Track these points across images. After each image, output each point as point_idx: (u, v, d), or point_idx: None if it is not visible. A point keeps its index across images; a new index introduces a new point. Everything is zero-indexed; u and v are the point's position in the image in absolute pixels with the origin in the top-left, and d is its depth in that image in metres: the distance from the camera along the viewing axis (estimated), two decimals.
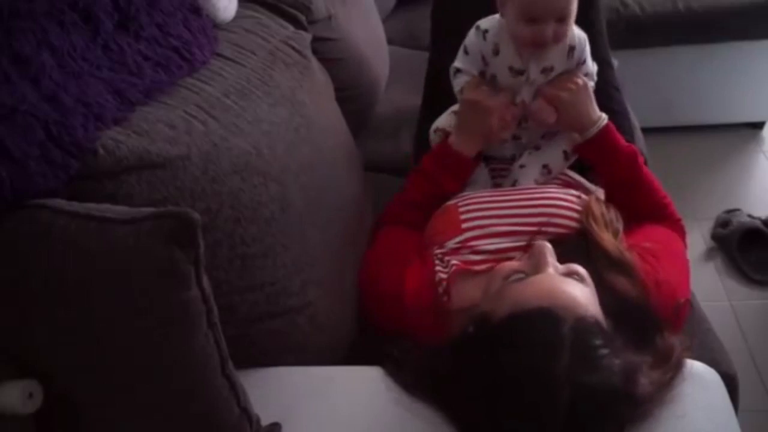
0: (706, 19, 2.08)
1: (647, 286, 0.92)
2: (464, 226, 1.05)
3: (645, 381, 0.77)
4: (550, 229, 1.01)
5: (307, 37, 1.27)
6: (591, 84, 1.14)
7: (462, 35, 1.16)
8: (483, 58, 1.13)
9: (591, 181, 1.21)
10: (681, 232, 1.14)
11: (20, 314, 0.70)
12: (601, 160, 1.14)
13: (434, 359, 0.86)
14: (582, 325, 0.76)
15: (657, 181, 1.17)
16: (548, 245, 0.88)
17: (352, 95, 1.48)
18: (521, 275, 0.85)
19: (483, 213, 1.06)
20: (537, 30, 1.04)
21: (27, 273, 0.68)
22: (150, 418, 0.74)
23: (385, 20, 2.03)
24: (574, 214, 1.03)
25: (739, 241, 1.87)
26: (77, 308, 0.67)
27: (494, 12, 1.13)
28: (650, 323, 0.87)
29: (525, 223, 1.03)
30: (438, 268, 1.01)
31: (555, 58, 1.11)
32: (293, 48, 1.17)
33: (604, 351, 0.75)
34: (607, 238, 0.97)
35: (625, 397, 0.75)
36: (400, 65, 1.86)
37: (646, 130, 1.49)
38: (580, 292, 0.81)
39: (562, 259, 0.89)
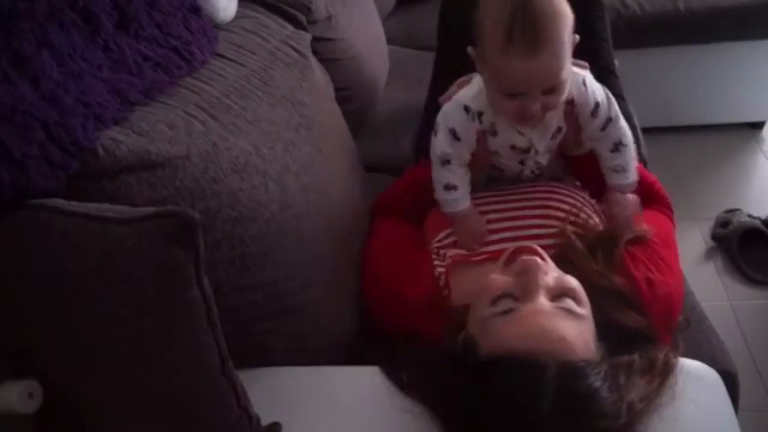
0: (706, 19, 2.08)
1: (641, 300, 0.91)
2: None
3: (635, 399, 0.76)
4: (548, 231, 1.00)
5: (307, 37, 1.27)
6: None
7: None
8: (478, 140, 1.01)
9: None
10: (669, 213, 1.13)
11: (20, 314, 0.70)
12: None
13: (428, 364, 0.85)
14: (567, 369, 0.73)
15: (643, 168, 1.17)
16: (538, 262, 0.84)
17: (352, 95, 1.48)
18: (509, 301, 0.81)
19: (483, 209, 1.06)
20: (520, 105, 0.90)
21: (27, 273, 0.68)
22: (150, 418, 0.74)
23: (385, 20, 2.04)
24: (582, 208, 1.03)
25: (739, 241, 1.87)
26: (77, 308, 0.67)
27: None
28: (644, 338, 0.86)
29: (522, 217, 1.03)
30: (436, 262, 1.02)
31: (558, 120, 1.00)
32: (293, 48, 1.17)
33: (591, 390, 0.73)
34: (589, 269, 0.92)
35: (612, 425, 0.73)
36: (400, 65, 1.86)
37: (646, 130, 1.49)
38: (567, 332, 0.77)
39: (556, 262, 0.88)
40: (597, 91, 0.99)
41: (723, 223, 1.96)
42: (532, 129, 0.99)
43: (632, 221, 1.03)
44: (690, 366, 0.86)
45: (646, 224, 1.03)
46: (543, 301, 0.80)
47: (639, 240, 1.00)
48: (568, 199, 1.04)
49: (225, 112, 0.94)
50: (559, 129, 1.02)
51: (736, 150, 2.34)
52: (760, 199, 2.09)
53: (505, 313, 0.80)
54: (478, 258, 1.00)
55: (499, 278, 0.85)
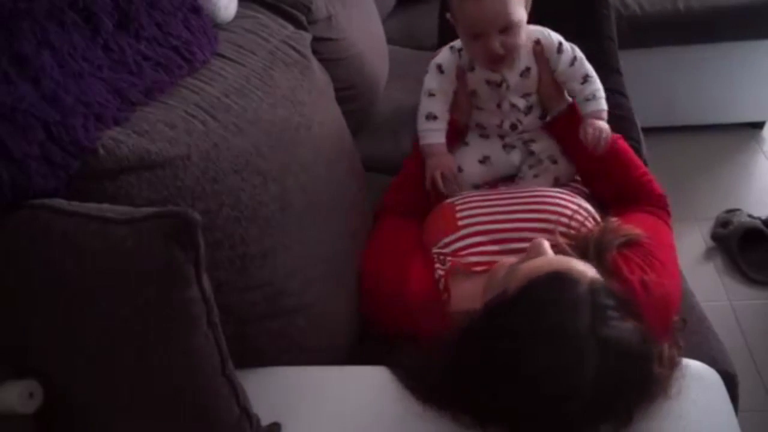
0: (706, 19, 2.08)
1: (637, 303, 0.91)
2: (460, 223, 1.05)
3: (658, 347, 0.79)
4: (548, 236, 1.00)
5: (307, 37, 1.27)
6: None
7: None
8: (458, 76, 1.15)
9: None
10: (665, 211, 1.14)
11: (20, 314, 0.70)
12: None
13: (442, 350, 0.84)
14: (597, 286, 0.77)
15: (636, 157, 1.18)
16: (545, 241, 0.89)
17: (352, 95, 1.48)
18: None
19: (479, 211, 1.06)
20: (483, 45, 1.05)
21: (27, 273, 0.68)
22: (150, 418, 0.74)
23: (385, 20, 2.04)
24: (573, 215, 1.03)
25: (739, 241, 1.87)
26: (77, 308, 0.67)
27: None
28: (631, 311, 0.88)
29: (522, 222, 1.03)
30: (437, 265, 1.02)
31: (526, 59, 1.12)
32: (293, 48, 1.17)
33: (619, 312, 0.76)
34: None
35: (646, 354, 0.76)
36: (400, 65, 1.86)
37: (646, 130, 1.49)
38: (589, 268, 0.83)
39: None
40: (559, 36, 1.13)
41: (723, 223, 1.96)
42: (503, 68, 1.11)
43: (606, 144, 1.11)
44: (690, 366, 0.86)
45: (638, 227, 1.04)
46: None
47: (632, 242, 1.00)
48: (562, 209, 1.05)
49: (225, 112, 0.94)
50: (527, 68, 1.13)
51: (736, 150, 2.35)
52: (760, 199, 2.09)
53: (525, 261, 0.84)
54: (479, 268, 1.00)
55: (509, 258, 0.90)
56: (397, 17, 2.18)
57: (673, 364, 0.82)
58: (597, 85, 1.13)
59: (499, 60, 1.08)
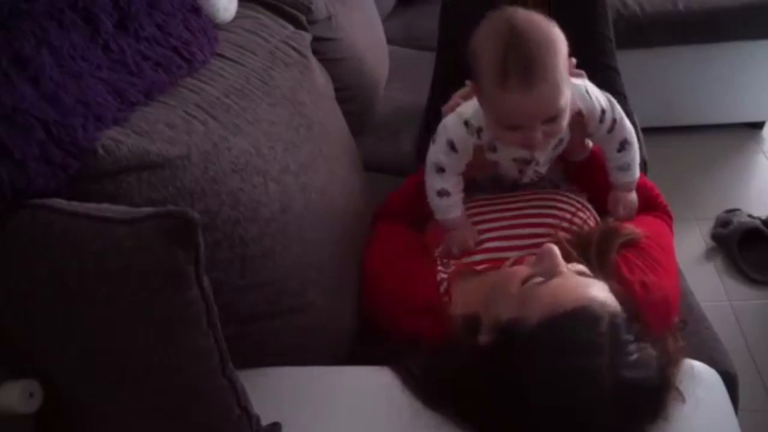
0: (706, 19, 2.08)
1: (637, 304, 0.90)
2: None
3: (675, 370, 0.79)
4: (544, 239, 0.99)
5: (307, 37, 1.27)
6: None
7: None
8: (476, 154, 1.02)
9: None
10: (668, 219, 1.13)
11: (20, 314, 0.70)
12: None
13: (453, 363, 0.84)
14: (616, 321, 0.76)
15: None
16: (556, 248, 0.87)
17: (352, 95, 1.48)
18: (539, 279, 0.83)
19: (483, 209, 1.06)
20: (522, 136, 0.91)
21: (27, 273, 0.68)
22: (150, 418, 0.74)
23: (385, 20, 2.04)
24: (575, 213, 1.03)
25: (739, 241, 1.87)
26: (77, 308, 0.67)
27: None
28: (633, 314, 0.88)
29: (525, 218, 1.03)
30: (440, 268, 1.02)
31: (564, 131, 0.99)
32: (293, 48, 1.17)
33: (636, 346, 0.76)
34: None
35: (663, 387, 0.76)
36: (400, 65, 1.86)
37: (646, 130, 1.48)
38: (605, 291, 0.82)
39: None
40: (600, 97, 0.99)
41: (723, 223, 1.96)
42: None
43: (634, 205, 1.06)
44: (690, 366, 0.86)
45: (640, 227, 1.03)
46: (569, 272, 0.83)
47: (632, 243, 1.00)
48: (564, 206, 1.05)
49: (225, 112, 0.94)
50: (560, 140, 1.02)
51: (736, 150, 2.34)
52: (760, 199, 2.09)
53: (540, 284, 0.82)
54: (480, 267, 1.00)
55: (519, 267, 0.88)
56: (397, 17, 2.18)
57: (678, 360, 0.83)
58: (633, 153, 1.03)
59: (537, 147, 0.95)
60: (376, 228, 1.18)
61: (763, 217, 1.93)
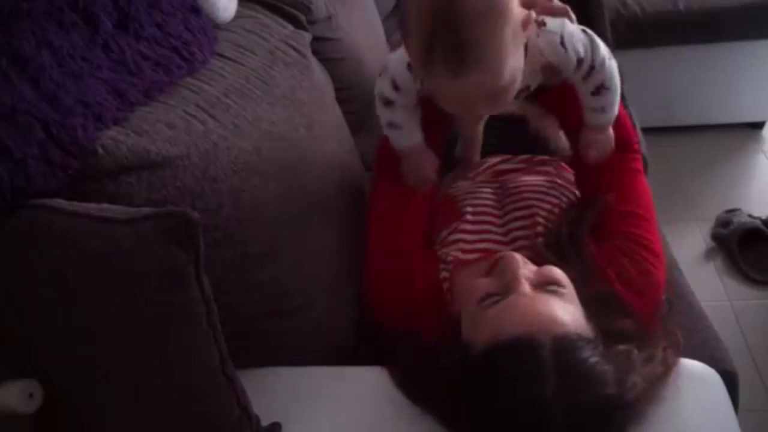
0: (706, 19, 2.08)
1: (621, 299, 0.91)
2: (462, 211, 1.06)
3: (638, 379, 0.77)
4: (529, 232, 1.00)
5: (307, 36, 1.27)
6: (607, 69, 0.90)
7: None
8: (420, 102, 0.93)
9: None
10: (634, 152, 1.06)
11: (20, 314, 0.70)
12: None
13: (430, 364, 0.85)
14: (562, 344, 0.74)
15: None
16: (516, 257, 0.85)
17: (352, 95, 1.48)
18: (495, 298, 0.82)
19: (466, 216, 1.06)
20: (463, 116, 0.84)
21: (27, 273, 0.68)
22: (150, 418, 0.74)
23: (385, 20, 2.03)
24: (552, 208, 1.03)
25: (739, 241, 1.87)
26: (77, 308, 0.67)
27: None
28: (618, 309, 0.87)
29: (507, 214, 1.04)
30: (442, 266, 1.02)
31: (529, 79, 0.90)
32: (293, 48, 1.17)
33: (591, 362, 0.74)
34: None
35: (621, 404, 0.74)
36: None
37: (646, 130, 1.48)
38: (555, 308, 0.79)
39: (539, 260, 0.89)
40: (578, 45, 0.86)
41: (723, 223, 1.96)
42: None
43: (607, 155, 0.99)
44: (690, 366, 0.86)
45: (610, 192, 1.00)
46: (526, 288, 0.81)
47: (610, 210, 0.98)
48: (543, 196, 1.05)
49: (225, 112, 0.94)
50: (527, 87, 0.93)
51: (736, 150, 2.34)
52: (760, 199, 2.09)
53: (491, 305, 0.81)
54: (473, 256, 1.01)
55: (482, 280, 0.87)
56: (397, 17, 2.18)
57: (669, 364, 0.82)
58: (609, 96, 0.93)
59: (479, 120, 0.92)
60: (375, 193, 1.12)
61: (763, 217, 1.93)
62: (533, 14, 0.78)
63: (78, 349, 0.70)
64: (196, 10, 1.03)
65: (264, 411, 0.80)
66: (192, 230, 0.65)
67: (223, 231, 0.86)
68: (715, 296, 1.79)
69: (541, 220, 1.02)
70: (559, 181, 1.11)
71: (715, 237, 1.96)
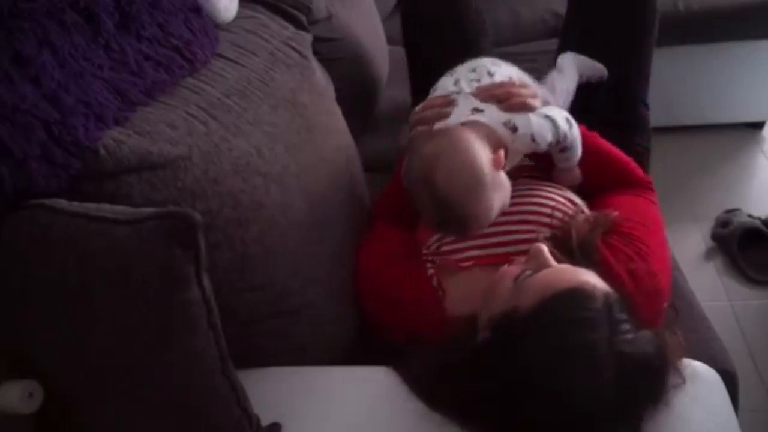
0: (706, 19, 2.08)
1: (620, 285, 0.91)
2: None
3: (673, 354, 0.80)
4: (529, 236, 1.00)
5: (308, 37, 1.27)
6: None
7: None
8: None
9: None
10: (650, 193, 1.12)
11: (20, 314, 0.70)
12: None
13: (453, 362, 0.84)
14: (611, 300, 0.77)
15: (611, 147, 1.16)
16: (544, 246, 0.88)
17: (353, 95, 1.48)
18: (530, 272, 0.84)
19: None
20: None
21: (27, 273, 0.68)
22: (150, 418, 0.74)
23: (385, 20, 2.03)
24: (555, 207, 1.02)
25: (739, 241, 1.87)
26: (77, 308, 0.67)
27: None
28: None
29: (507, 224, 1.02)
30: (429, 265, 1.03)
31: (512, 162, 1.03)
32: (294, 49, 1.17)
33: (631, 326, 0.77)
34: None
35: (661, 365, 0.77)
36: (400, 65, 1.85)
37: None
38: (596, 277, 0.82)
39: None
40: (546, 134, 1.01)
41: (723, 223, 1.96)
42: None
43: (578, 178, 1.10)
44: (690, 366, 0.86)
45: (621, 209, 1.03)
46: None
47: (616, 229, 1.00)
48: (545, 201, 1.04)
49: (226, 113, 0.94)
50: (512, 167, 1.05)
51: (736, 150, 2.34)
52: (760, 199, 2.09)
53: (532, 276, 0.83)
54: (465, 264, 1.00)
55: (510, 267, 0.88)
56: (397, 17, 2.16)
57: (679, 351, 0.84)
58: (571, 152, 1.06)
59: None
60: (372, 228, 1.18)
61: (763, 217, 1.93)
62: (502, 154, 0.95)
63: (78, 349, 0.70)
64: (198, 10, 1.03)
65: (264, 411, 0.81)
66: (193, 231, 0.65)
67: (224, 232, 0.86)
68: (715, 296, 1.79)
69: (546, 220, 1.01)
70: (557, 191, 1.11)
71: (715, 237, 1.96)
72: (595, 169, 1.11)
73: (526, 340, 0.76)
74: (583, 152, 1.08)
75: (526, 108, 1.01)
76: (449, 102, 1.05)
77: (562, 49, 1.40)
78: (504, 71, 1.12)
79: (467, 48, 1.39)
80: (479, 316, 0.86)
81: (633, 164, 1.16)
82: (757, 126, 2.40)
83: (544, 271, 0.83)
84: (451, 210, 0.91)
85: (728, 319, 1.72)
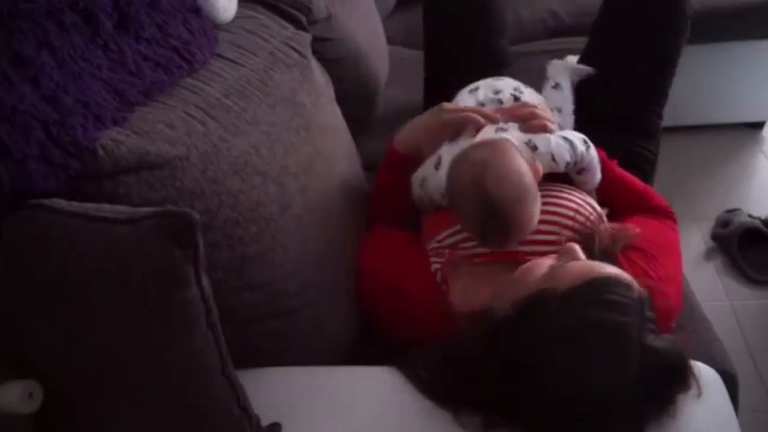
0: (706, 19, 2.07)
1: None
2: None
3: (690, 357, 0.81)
4: (549, 237, 1.00)
5: (308, 37, 1.27)
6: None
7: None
8: None
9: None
10: (672, 222, 1.14)
11: (20, 314, 0.70)
12: None
13: (466, 355, 0.85)
14: (644, 296, 0.80)
15: (632, 177, 1.18)
16: (576, 245, 0.90)
17: (352, 95, 1.48)
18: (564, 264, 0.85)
19: None
20: None
21: (27, 273, 0.68)
22: (149, 418, 0.74)
23: (385, 20, 2.03)
24: (578, 209, 1.02)
25: (739, 241, 1.87)
26: (76, 308, 0.67)
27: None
28: None
29: None
30: (434, 259, 1.02)
31: None
32: (293, 49, 1.17)
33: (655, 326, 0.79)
34: None
35: (683, 369, 0.78)
36: (400, 65, 1.86)
37: None
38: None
39: None
40: (564, 154, 1.04)
41: (723, 223, 1.96)
42: None
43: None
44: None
45: (643, 228, 1.04)
46: None
47: (636, 245, 1.01)
48: (567, 202, 1.04)
49: (225, 113, 0.94)
50: None
51: (736, 150, 2.34)
52: (760, 199, 2.09)
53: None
54: (480, 259, 1.00)
55: (544, 259, 0.90)
56: (397, 17, 2.18)
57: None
58: (590, 174, 1.09)
59: None
60: (371, 228, 1.18)
61: (763, 217, 1.93)
62: (539, 165, 0.99)
63: (78, 349, 0.70)
64: (196, 11, 1.03)
65: (264, 411, 0.81)
66: (191, 230, 0.65)
67: (223, 231, 0.86)
68: (715, 296, 1.79)
69: (568, 222, 1.01)
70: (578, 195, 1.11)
71: (715, 237, 1.96)
72: (616, 197, 1.14)
73: (561, 312, 0.77)
74: (603, 180, 1.11)
75: (545, 130, 1.05)
76: (485, 115, 1.08)
77: (588, 53, 1.42)
78: (527, 96, 1.16)
79: (488, 45, 1.41)
80: (491, 307, 0.86)
81: (652, 192, 1.18)
82: (757, 126, 2.40)
83: (582, 261, 0.85)
84: (498, 216, 0.91)
85: (728, 320, 1.72)
